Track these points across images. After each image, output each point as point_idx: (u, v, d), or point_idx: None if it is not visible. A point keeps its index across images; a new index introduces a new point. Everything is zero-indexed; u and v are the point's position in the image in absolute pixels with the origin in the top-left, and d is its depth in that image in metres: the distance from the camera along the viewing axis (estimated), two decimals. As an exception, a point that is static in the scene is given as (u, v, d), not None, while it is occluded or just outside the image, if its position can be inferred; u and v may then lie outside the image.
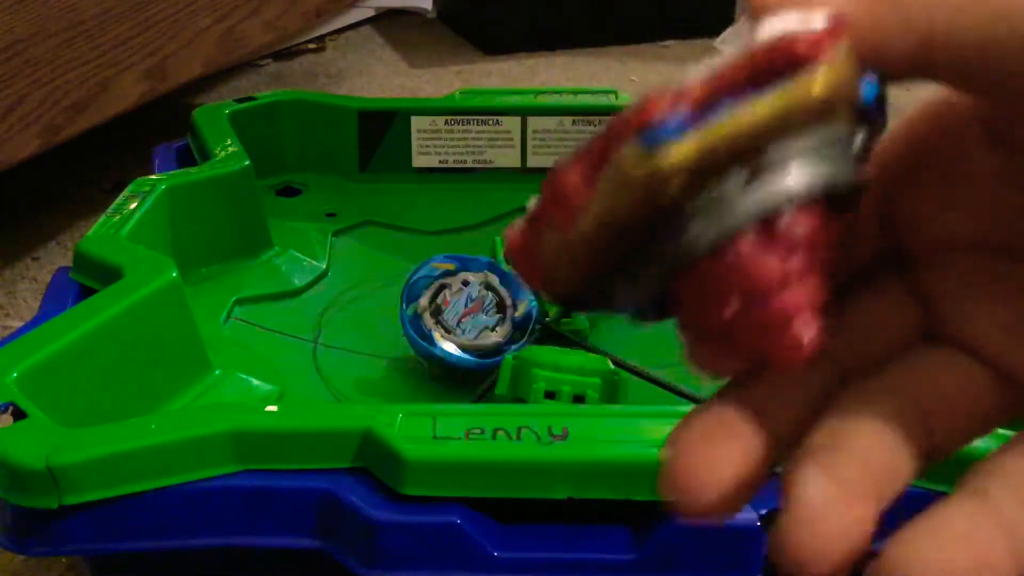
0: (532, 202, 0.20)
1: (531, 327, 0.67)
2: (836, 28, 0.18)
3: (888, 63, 0.20)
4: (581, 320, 0.70)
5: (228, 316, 0.69)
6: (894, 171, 0.23)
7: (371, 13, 1.53)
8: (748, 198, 0.18)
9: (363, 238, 0.81)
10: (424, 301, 0.66)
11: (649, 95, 0.18)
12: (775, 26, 0.18)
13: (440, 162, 0.85)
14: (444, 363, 0.65)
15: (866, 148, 0.20)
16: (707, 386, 0.22)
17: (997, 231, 0.22)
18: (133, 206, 0.66)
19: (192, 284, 0.69)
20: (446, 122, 0.84)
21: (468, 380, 0.64)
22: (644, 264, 0.19)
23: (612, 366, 0.60)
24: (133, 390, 0.55)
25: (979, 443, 0.41)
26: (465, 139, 0.84)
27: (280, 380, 0.61)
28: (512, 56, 1.45)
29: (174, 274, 0.58)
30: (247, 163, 0.74)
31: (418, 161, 0.85)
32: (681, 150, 0.17)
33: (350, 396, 0.64)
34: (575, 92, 0.87)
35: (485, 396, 0.61)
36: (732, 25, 1.50)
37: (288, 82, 1.32)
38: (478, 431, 0.45)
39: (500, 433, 0.45)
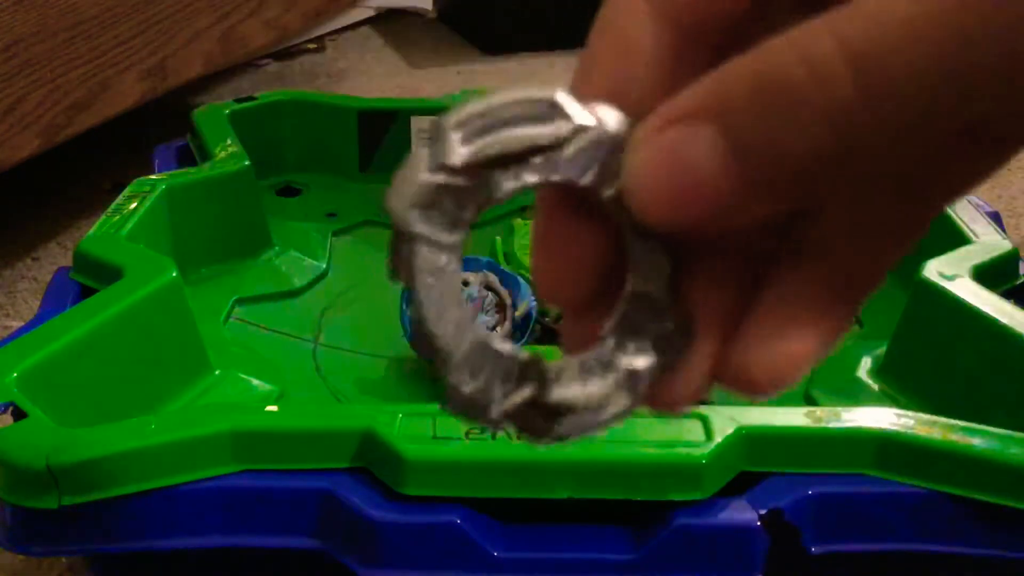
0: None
1: (531, 327, 0.67)
2: None
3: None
4: (581, 320, 0.70)
5: (228, 316, 0.69)
6: None
7: (371, 13, 1.53)
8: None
9: (363, 238, 0.81)
10: (424, 301, 0.66)
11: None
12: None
13: (440, 162, 0.85)
14: (444, 363, 0.65)
15: None
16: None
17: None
18: (133, 206, 0.66)
19: (192, 284, 0.68)
20: (446, 122, 0.84)
21: (468, 380, 0.64)
22: None
23: (612, 366, 0.59)
24: (133, 390, 0.55)
25: (978, 442, 0.41)
26: (465, 139, 0.84)
27: (280, 380, 0.61)
28: (512, 56, 1.45)
29: (174, 274, 0.58)
30: (247, 163, 0.74)
31: (418, 161, 0.85)
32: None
33: (350, 396, 0.64)
34: (575, 92, 0.87)
35: (485, 396, 0.61)
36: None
37: (288, 82, 1.32)
38: (478, 431, 0.45)
39: (500, 433, 0.45)
